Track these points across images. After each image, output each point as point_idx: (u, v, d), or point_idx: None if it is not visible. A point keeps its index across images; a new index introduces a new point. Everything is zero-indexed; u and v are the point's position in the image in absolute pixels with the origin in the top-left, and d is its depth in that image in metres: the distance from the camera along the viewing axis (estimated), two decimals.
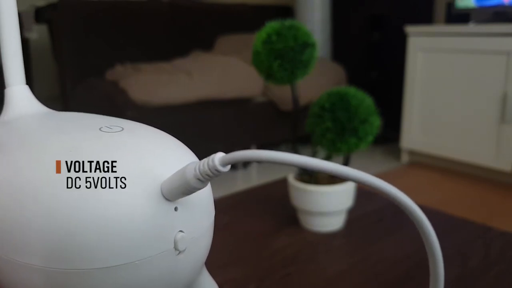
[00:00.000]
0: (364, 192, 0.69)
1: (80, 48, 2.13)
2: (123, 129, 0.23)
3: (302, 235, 0.59)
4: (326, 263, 0.53)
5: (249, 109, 2.12)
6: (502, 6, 1.86)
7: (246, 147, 2.19)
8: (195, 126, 1.95)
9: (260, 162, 0.20)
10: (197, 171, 0.20)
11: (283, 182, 0.72)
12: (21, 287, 0.21)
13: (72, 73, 2.13)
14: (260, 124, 2.16)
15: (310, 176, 0.61)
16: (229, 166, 0.20)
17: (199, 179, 0.20)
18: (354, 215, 0.63)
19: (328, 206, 0.58)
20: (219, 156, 0.20)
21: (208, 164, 0.20)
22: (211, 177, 0.20)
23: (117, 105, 1.84)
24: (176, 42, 2.43)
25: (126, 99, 1.83)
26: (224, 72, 2.02)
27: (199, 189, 0.21)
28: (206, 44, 2.49)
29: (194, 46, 2.44)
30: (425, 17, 2.35)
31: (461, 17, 2.04)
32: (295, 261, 0.52)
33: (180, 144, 0.25)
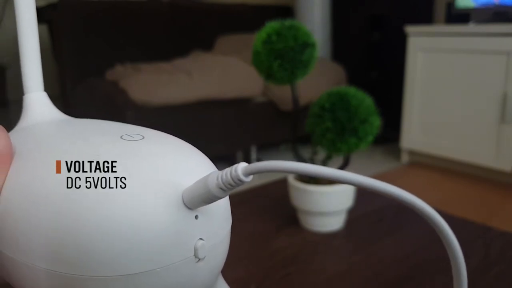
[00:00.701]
0: (364, 192, 0.69)
1: (80, 48, 2.13)
2: (144, 137, 0.23)
3: (302, 235, 0.59)
4: (326, 263, 0.53)
5: (249, 109, 2.12)
6: (502, 6, 1.86)
7: (246, 147, 2.19)
8: (195, 126, 1.95)
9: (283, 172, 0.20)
10: (220, 180, 0.20)
11: (283, 182, 0.72)
12: None
13: (72, 73, 2.13)
14: (260, 124, 2.16)
15: (310, 176, 0.61)
16: (251, 176, 0.20)
17: (221, 189, 0.20)
18: (354, 215, 0.63)
19: (328, 206, 0.58)
20: (242, 166, 0.20)
21: (231, 174, 0.20)
22: (234, 186, 0.20)
23: (117, 105, 1.84)
24: (176, 42, 2.43)
25: (126, 99, 1.83)
26: (224, 72, 2.02)
27: (221, 198, 0.21)
28: (206, 44, 2.49)
29: (194, 46, 2.44)
30: (425, 17, 2.35)
31: (461, 17, 2.04)
32: (295, 261, 0.52)
33: (200, 153, 0.25)
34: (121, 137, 0.23)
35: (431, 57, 1.97)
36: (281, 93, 2.07)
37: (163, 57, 2.27)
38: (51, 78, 2.56)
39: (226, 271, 0.52)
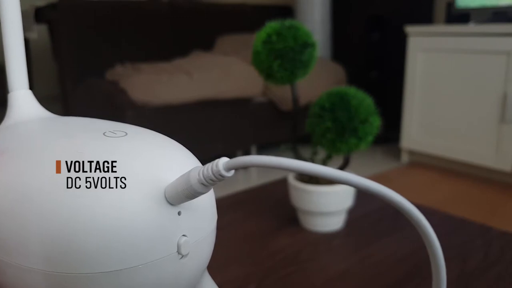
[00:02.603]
0: (364, 192, 0.69)
1: (80, 48, 2.13)
2: (126, 134, 0.23)
3: (302, 235, 0.59)
4: (326, 263, 0.53)
5: (249, 109, 2.12)
6: (501, 6, 1.86)
7: (246, 147, 2.19)
8: (195, 126, 1.94)
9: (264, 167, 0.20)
10: (201, 175, 0.20)
11: (283, 182, 0.72)
12: None
13: (72, 73, 2.13)
14: (260, 124, 2.16)
15: (310, 176, 0.61)
16: (233, 171, 0.20)
17: (202, 184, 0.20)
18: (354, 215, 0.63)
19: (328, 206, 0.58)
20: (223, 161, 0.20)
21: (212, 169, 0.20)
22: (215, 181, 0.20)
23: (117, 105, 1.84)
24: (176, 42, 2.43)
25: (126, 99, 1.83)
26: (224, 72, 2.02)
27: (203, 193, 0.21)
28: (206, 44, 2.49)
29: (194, 46, 2.44)
30: (425, 17, 2.35)
31: (461, 17, 2.04)
32: (295, 261, 0.52)
33: (183, 149, 0.25)
34: (103, 134, 0.23)
35: (431, 57, 1.97)
36: (281, 93, 2.07)
37: (163, 57, 2.27)
38: (51, 78, 2.56)
39: (226, 271, 0.53)
